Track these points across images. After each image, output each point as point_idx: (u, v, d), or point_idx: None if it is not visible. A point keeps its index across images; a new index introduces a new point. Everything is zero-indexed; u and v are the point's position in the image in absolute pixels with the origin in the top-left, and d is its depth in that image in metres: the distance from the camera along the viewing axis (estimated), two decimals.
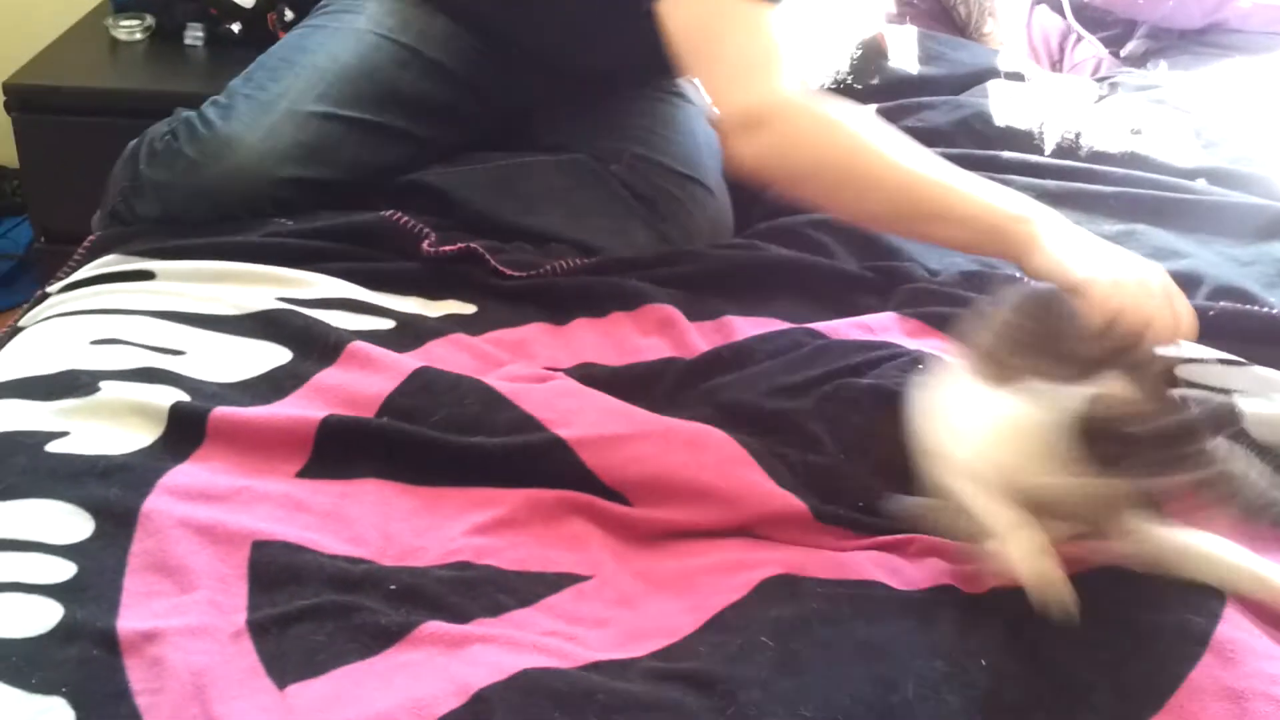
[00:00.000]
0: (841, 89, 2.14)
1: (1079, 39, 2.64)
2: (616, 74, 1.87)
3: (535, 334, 1.51)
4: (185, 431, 1.25)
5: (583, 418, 1.28)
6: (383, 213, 1.62)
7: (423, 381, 1.34)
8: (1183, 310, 1.26)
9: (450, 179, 1.74)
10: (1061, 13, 2.66)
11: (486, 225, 1.69)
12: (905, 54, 2.19)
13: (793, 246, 1.70)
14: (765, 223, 1.80)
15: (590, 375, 1.40)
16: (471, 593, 1.11)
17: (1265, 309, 1.56)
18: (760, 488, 1.23)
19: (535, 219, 1.71)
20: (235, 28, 2.48)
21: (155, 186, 1.66)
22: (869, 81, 2.16)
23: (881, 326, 1.53)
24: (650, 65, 1.58)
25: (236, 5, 2.48)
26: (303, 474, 1.24)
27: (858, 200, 1.41)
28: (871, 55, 2.18)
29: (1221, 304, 1.56)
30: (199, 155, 1.65)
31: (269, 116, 1.68)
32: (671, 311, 1.53)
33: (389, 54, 1.77)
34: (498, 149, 1.84)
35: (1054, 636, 1.06)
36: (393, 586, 1.10)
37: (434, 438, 1.26)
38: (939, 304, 1.56)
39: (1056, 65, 2.64)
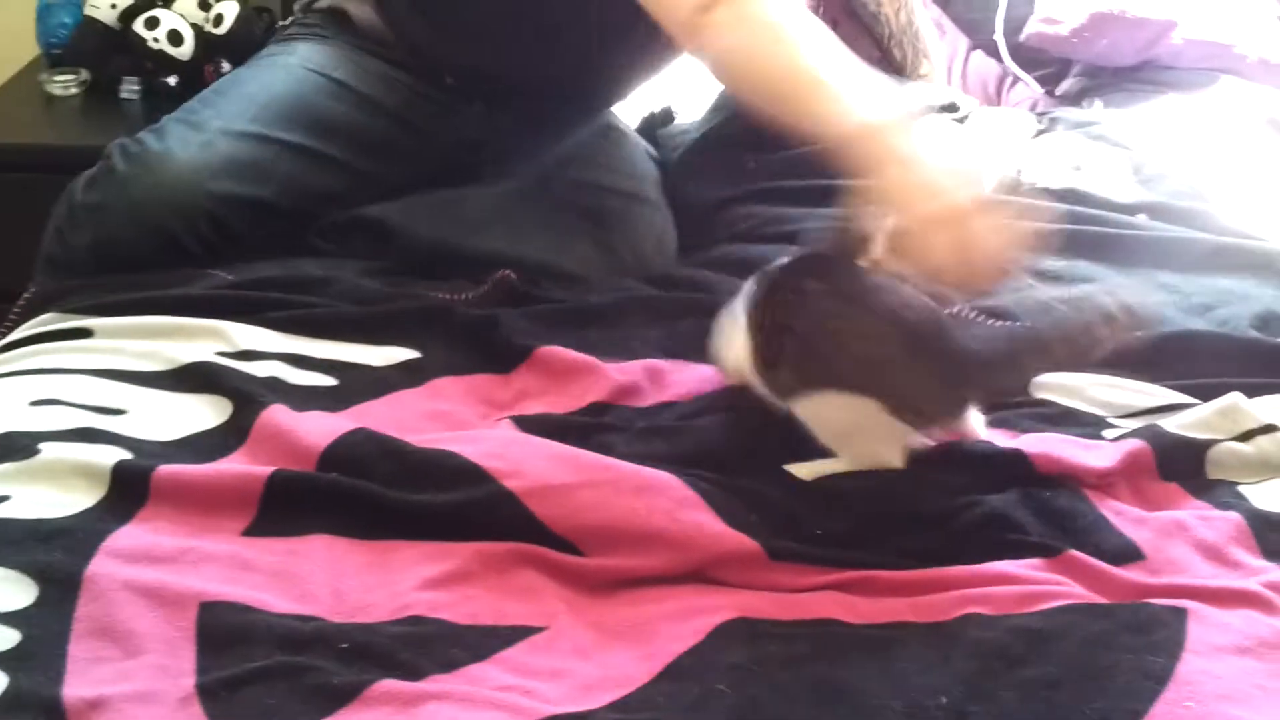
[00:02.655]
0: None
1: (1015, 81, 2.67)
2: (550, 96, 1.88)
3: (481, 382, 1.50)
4: (128, 492, 1.23)
5: (530, 466, 1.26)
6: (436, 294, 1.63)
7: (364, 435, 1.32)
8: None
9: (390, 210, 1.74)
10: (997, 56, 2.69)
11: (429, 253, 1.69)
12: None
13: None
14: (720, 248, 1.82)
15: (537, 421, 1.39)
16: (424, 649, 1.09)
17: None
18: (711, 529, 1.22)
19: (479, 241, 1.71)
20: (172, 81, 2.47)
21: (88, 210, 1.66)
22: None
23: None
24: (581, 84, 1.59)
25: (172, 58, 2.47)
26: (249, 532, 1.22)
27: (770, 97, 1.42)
28: None
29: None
30: (131, 171, 1.66)
31: (202, 135, 1.69)
32: (597, 363, 1.51)
33: (321, 86, 1.79)
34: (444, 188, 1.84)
35: (1013, 674, 1.05)
36: (344, 645, 1.08)
37: (381, 492, 1.25)
38: None
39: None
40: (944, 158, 1.32)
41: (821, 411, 1.31)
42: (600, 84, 1.61)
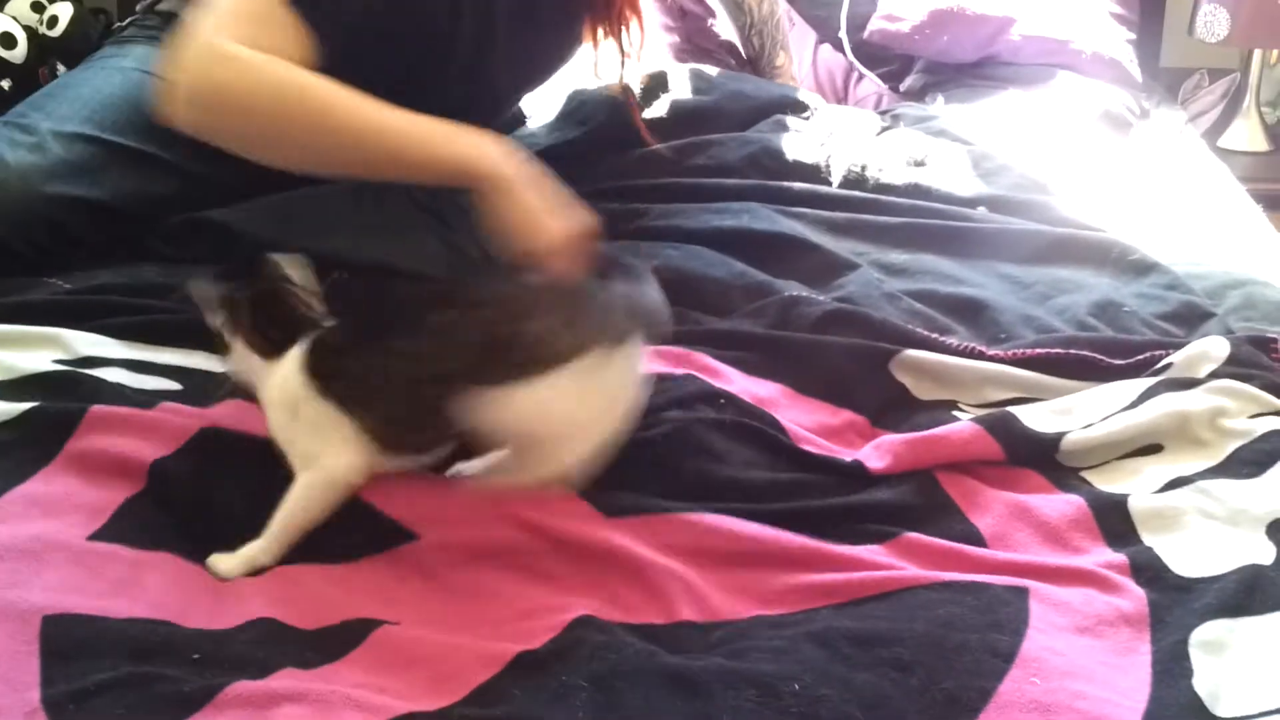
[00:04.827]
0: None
1: (861, 76, 2.72)
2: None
3: None
4: None
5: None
6: None
7: (205, 441, 1.31)
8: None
9: (232, 214, 1.71)
10: (842, 51, 2.73)
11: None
12: (680, 89, 2.21)
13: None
14: None
15: None
16: (277, 651, 1.08)
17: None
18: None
19: (324, 244, 1.68)
20: (4, 85, 2.41)
21: None
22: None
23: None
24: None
25: (5, 61, 2.41)
26: (96, 537, 1.19)
27: (304, 142, 1.42)
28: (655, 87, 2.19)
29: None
30: None
31: (32, 137, 1.66)
32: None
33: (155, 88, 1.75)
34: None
35: (864, 658, 1.07)
36: (195, 656, 1.07)
37: (219, 517, 1.24)
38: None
39: (841, 101, 2.71)
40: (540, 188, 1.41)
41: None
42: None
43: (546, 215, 1.40)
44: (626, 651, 1.08)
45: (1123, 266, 1.79)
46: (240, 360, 1.29)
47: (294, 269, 1.30)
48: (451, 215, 1.78)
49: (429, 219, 1.77)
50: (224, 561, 1.19)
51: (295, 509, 1.21)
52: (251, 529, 1.21)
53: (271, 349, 1.26)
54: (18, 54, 2.44)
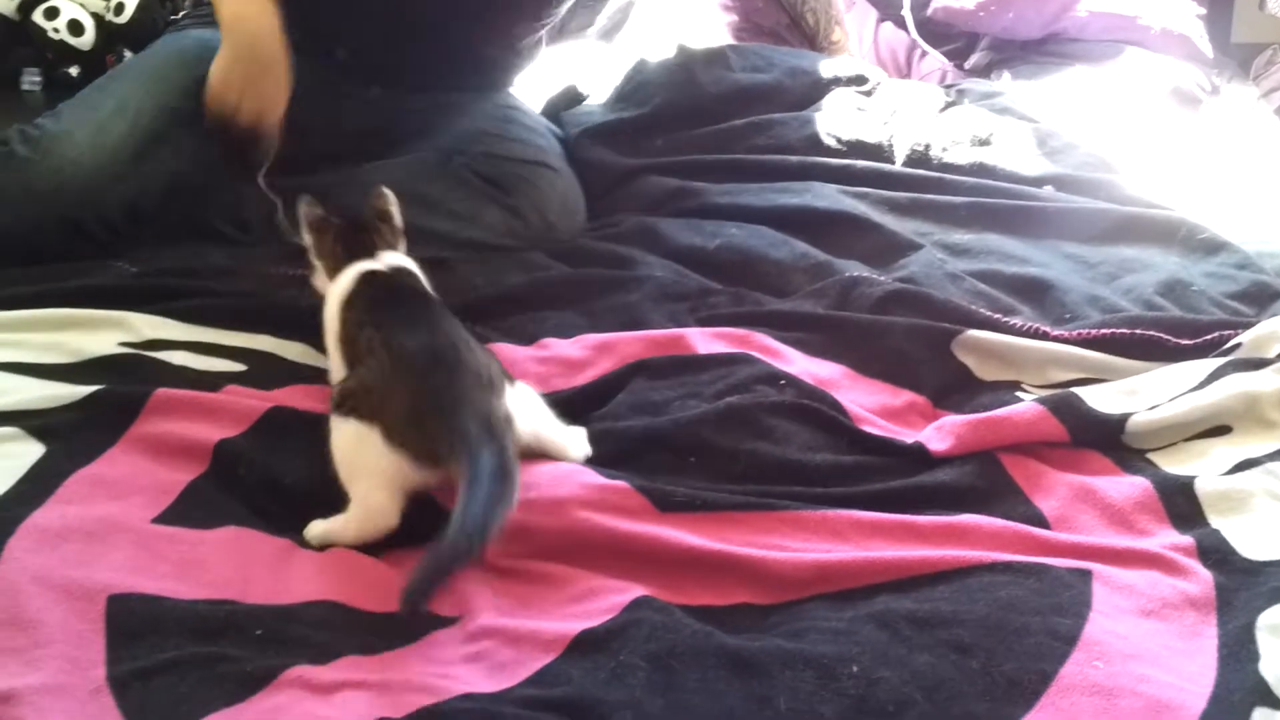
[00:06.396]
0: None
1: (924, 53, 2.69)
2: (441, 69, 1.88)
3: None
4: (37, 483, 1.22)
5: None
6: None
7: (276, 423, 1.32)
8: None
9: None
10: (905, 28, 2.71)
11: None
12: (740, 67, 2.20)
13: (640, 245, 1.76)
14: (630, 219, 1.86)
15: None
16: (339, 635, 1.09)
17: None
18: (594, 481, 1.24)
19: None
20: (73, 71, 2.43)
21: None
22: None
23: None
24: (481, 58, 1.68)
25: (74, 48, 2.44)
26: (160, 520, 1.20)
27: None
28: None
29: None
30: (32, 153, 1.66)
31: (98, 114, 1.68)
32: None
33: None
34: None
35: (924, 639, 1.06)
36: (258, 632, 1.08)
37: (287, 495, 1.25)
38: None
39: (904, 78, 2.68)
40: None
41: (337, 440, 1.25)
42: (481, 55, 1.65)
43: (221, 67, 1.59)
44: (684, 632, 1.08)
45: (1191, 245, 1.77)
46: (319, 279, 1.40)
47: (394, 205, 1.43)
48: (511, 184, 1.80)
49: (491, 189, 1.78)
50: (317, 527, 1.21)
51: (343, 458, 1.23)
52: (325, 505, 1.22)
53: (337, 270, 1.37)
54: (86, 41, 2.46)
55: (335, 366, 1.33)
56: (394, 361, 1.23)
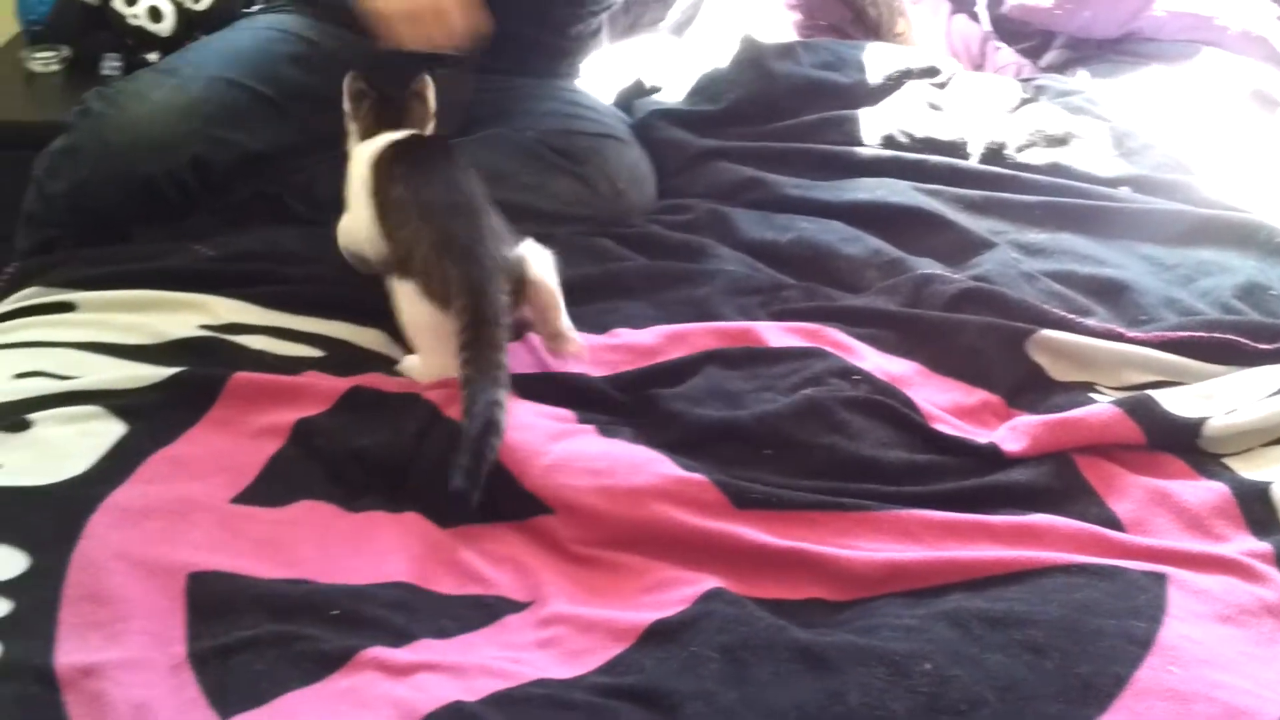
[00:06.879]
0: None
1: (998, 45, 2.67)
2: (505, 50, 1.89)
3: None
4: (119, 461, 1.24)
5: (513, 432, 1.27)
6: None
7: (355, 403, 1.33)
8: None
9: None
10: (978, 21, 2.69)
11: None
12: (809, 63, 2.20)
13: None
14: (702, 204, 1.86)
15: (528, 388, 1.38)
16: (415, 617, 1.10)
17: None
18: (670, 472, 1.24)
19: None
20: (152, 57, 2.45)
21: (64, 154, 1.68)
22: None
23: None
24: (535, 43, 1.77)
25: (153, 34, 2.46)
26: (239, 500, 1.22)
27: None
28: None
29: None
30: (107, 108, 1.69)
31: (173, 79, 1.73)
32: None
33: (288, 47, 1.85)
34: None
35: (998, 639, 1.06)
36: (334, 612, 1.09)
37: (369, 463, 1.27)
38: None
39: (979, 69, 2.66)
40: None
41: (399, 300, 1.40)
42: (536, 40, 1.78)
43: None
44: (757, 625, 1.08)
45: (1270, 249, 1.74)
46: (350, 140, 1.54)
47: (430, 90, 1.57)
48: (581, 155, 1.81)
49: (560, 159, 1.79)
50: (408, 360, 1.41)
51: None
52: (403, 479, 1.25)
53: (367, 135, 1.51)
54: (165, 27, 2.48)
55: (369, 233, 1.46)
56: (420, 213, 1.38)
